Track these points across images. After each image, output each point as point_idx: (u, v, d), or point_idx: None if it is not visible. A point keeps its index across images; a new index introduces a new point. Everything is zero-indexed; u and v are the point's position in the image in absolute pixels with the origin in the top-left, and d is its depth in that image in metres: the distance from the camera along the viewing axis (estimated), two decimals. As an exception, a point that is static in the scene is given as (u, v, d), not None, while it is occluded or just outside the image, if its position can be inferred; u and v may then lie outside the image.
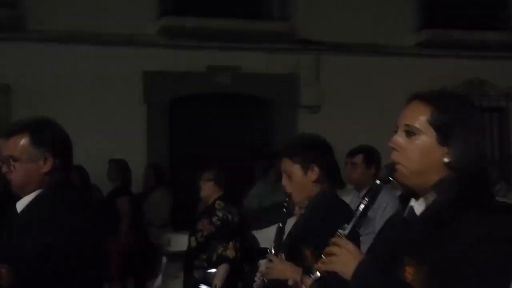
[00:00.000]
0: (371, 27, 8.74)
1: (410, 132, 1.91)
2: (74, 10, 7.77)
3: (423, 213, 1.92)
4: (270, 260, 3.30)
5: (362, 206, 1.95)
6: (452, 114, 1.91)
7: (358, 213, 1.97)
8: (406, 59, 8.96)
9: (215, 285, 4.51)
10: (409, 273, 1.85)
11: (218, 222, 4.74)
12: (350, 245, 1.89)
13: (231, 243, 4.70)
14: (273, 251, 3.36)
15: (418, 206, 1.94)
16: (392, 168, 1.92)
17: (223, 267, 4.71)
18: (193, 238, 5.16)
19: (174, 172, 7.77)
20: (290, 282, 3.01)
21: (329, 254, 1.90)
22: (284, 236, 3.44)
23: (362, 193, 5.35)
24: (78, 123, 7.81)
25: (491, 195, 1.92)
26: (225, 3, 8.35)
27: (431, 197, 1.91)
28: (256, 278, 3.51)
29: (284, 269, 3.27)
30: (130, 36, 7.84)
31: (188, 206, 6.38)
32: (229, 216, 4.84)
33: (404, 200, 2.02)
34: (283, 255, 3.31)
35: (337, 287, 1.92)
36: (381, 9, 8.96)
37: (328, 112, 8.35)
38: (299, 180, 3.32)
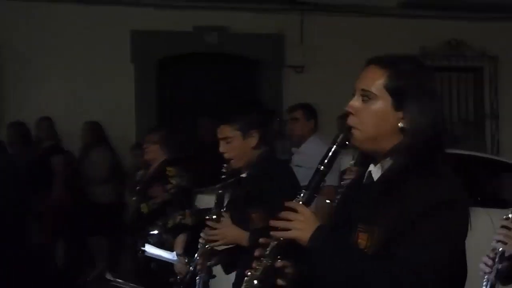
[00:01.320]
0: None
1: (366, 97, 1.85)
2: None
3: (379, 178, 1.89)
4: (211, 225, 3.17)
5: (319, 171, 1.88)
6: (408, 79, 1.86)
7: (315, 177, 1.89)
8: (389, 19, 8.83)
9: (176, 253, 4.31)
10: (362, 239, 1.82)
11: (173, 189, 4.55)
12: (307, 211, 1.82)
13: (187, 211, 4.52)
14: (214, 217, 3.24)
15: (375, 171, 1.90)
16: (348, 132, 1.87)
17: (183, 235, 4.47)
18: (144, 205, 4.91)
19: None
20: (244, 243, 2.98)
21: (285, 219, 1.82)
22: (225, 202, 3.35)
23: (303, 146, 5.33)
24: (66, 83, 7.77)
25: (444, 159, 1.87)
26: None
27: (388, 162, 1.87)
28: (199, 246, 3.38)
29: (229, 233, 3.18)
30: None
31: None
32: (184, 184, 4.66)
33: (363, 164, 1.97)
34: (226, 217, 3.20)
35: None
36: None
37: (312, 71, 8.29)
38: (238, 146, 3.26)
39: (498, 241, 2.73)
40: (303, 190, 1.88)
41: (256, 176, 3.28)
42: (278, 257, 1.85)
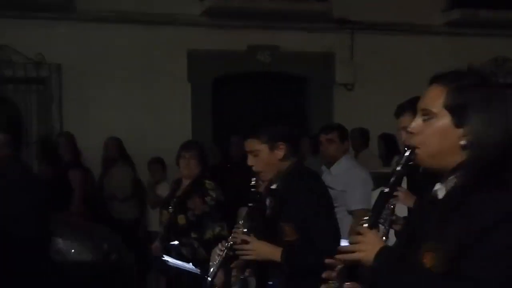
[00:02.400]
0: (404, 7, 8.69)
1: (427, 116, 1.86)
2: None
3: (444, 196, 1.87)
4: (244, 241, 3.18)
5: (383, 194, 1.92)
6: (468, 95, 1.82)
7: (379, 200, 1.94)
8: (435, 37, 8.96)
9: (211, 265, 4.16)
10: (428, 258, 1.80)
11: (213, 202, 4.62)
12: (372, 234, 1.87)
13: (224, 224, 4.57)
14: (244, 230, 3.27)
15: (441, 189, 1.89)
16: (412, 152, 1.88)
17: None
18: (182, 216, 4.93)
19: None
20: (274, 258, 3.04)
21: (353, 241, 1.87)
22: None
23: (334, 167, 5.32)
24: (124, 101, 8.02)
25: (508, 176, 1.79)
26: None
27: (452, 180, 1.85)
28: (219, 252, 3.43)
29: (265, 249, 3.19)
30: (175, 16, 7.86)
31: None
32: (221, 197, 4.75)
33: (431, 182, 1.95)
34: (251, 235, 3.22)
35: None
36: None
37: (362, 89, 8.44)
38: (266, 158, 3.25)
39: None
40: (370, 213, 1.92)
41: (287, 187, 3.28)
42: (346, 280, 1.88)
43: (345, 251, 1.88)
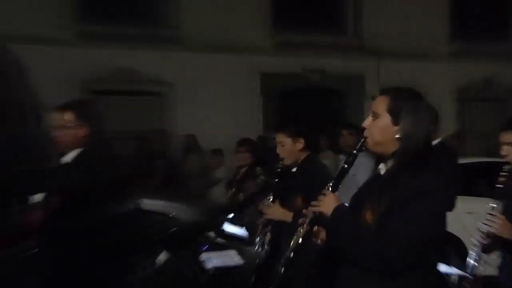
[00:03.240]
0: (415, 39, 11.32)
1: (375, 116, 2.30)
2: (213, 28, 10.44)
3: (384, 173, 2.33)
4: (269, 205, 3.93)
5: (341, 169, 2.42)
6: (402, 103, 2.26)
7: (339, 174, 2.42)
8: (440, 65, 11.56)
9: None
10: (369, 215, 2.25)
11: (261, 183, 5.12)
12: (332, 195, 2.37)
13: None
14: (271, 198, 3.97)
15: (383, 168, 2.35)
16: (364, 140, 2.34)
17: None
18: (241, 194, 5.86)
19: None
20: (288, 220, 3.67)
21: (319, 200, 2.38)
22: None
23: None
24: (213, 115, 10.40)
25: (427, 162, 2.22)
26: (315, 23, 10.99)
27: (390, 162, 2.31)
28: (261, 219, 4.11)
29: (279, 212, 3.89)
30: (252, 49, 10.56)
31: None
32: (268, 179, 5.17)
33: (378, 163, 2.42)
34: (276, 202, 3.91)
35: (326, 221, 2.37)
36: (425, 25, 11.56)
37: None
38: (289, 149, 3.90)
39: (485, 224, 3.18)
40: (331, 182, 2.43)
41: (301, 171, 3.90)
42: (315, 225, 2.44)
43: (314, 205, 2.39)
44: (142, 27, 10.19)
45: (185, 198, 6.59)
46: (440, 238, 2.30)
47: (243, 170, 6.18)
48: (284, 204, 3.91)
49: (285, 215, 3.81)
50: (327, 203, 2.35)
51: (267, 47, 10.88)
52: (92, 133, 3.44)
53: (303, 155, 3.91)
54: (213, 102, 10.46)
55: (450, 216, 2.24)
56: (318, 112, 10.62)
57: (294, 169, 3.95)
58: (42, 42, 9.51)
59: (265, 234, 4.06)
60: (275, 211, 3.91)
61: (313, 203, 2.40)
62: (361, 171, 5.31)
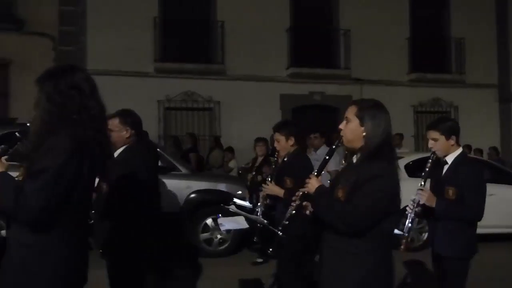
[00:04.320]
0: (386, 69, 14.97)
1: (347, 120, 2.83)
2: (247, 63, 13.96)
3: (355, 162, 2.86)
4: (267, 184, 4.70)
5: (324, 159, 2.94)
6: (365, 110, 2.78)
7: (322, 163, 2.94)
8: (403, 88, 15.21)
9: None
10: (340, 192, 2.78)
11: (273, 167, 5.34)
12: (315, 179, 2.90)
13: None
14: (269, 179, 4.76)
15: (354, 159, 2.87)
16: (340, 139, 2.87)
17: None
18: (259, 176, 7.03)
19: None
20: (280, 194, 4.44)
21: (307, 183, 2.91)
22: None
23: (318, 152, 8.06)
24: (246, 123, 13.75)
25: (382, 154, 2.71)
26: (318, 59, 14.47)
27: (359, 154, 2.83)
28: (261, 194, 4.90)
29: (275, 189, 4.65)
30: (275, 78, 14.29)
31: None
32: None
33: (351, 155, 2.90)
34: (272, 182, 4.69)
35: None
36: (392, 57, 15.04)
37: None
38: (283, 144, 4.71)
39: (417, 194, 3.80)
40: (315, 170, 2.99)
41: (290, 160, 4.70)
42: (304, 201, 2.98)
43: (303, 186, 2.92)
44: (199, 63, 13.90)
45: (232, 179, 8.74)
46: (393, 210, 2.76)
47: (260, 159, 7.65)
48: (278, 183, 4.71)
49: (279, 192, 4.62)
50: (312, 185, 2.90)
51: (284, 76, 14.56)
52: (133, 134, 4.01)
53: (292, 149, 4.73)
54: (246, 114, 13.97)
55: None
56: (319, 122, 13.66)
57: (285, 159, 4.76)
58: (132, 75, 13.35)
59: (264, 205, 4.84)
60: (272, 188, 4.71)
61: (305, 185, 2.94)
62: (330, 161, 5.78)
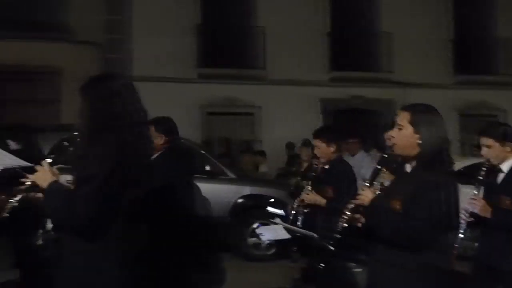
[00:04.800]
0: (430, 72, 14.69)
1: (399, 127, 2.71)
2: (288, 68, 14.00)
3: (410, 172, 2.76)
4: (307, 193, 4.52)
5: (375, 168, 2.81)
6: (421, 117, 2.68)
7: (374, 173, 2.79)
8: (447, 91, 14.77)
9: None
10: (396, 203, 2.66)
11: (313, 174, 5.10)
12: (369, 190, 2.76)
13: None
14: (309, 187, 4.56)
15: (408, 168, 2.77)
16: (391, 146, 2.75)
17: None
18: (305, 181, 5.82)
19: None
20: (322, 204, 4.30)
21: (360, 194, 2.80)
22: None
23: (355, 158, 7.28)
24: (288, 127, 13.72)
25: (442, 162, 2.62)
26: (359, 63, 14.38)
27: (413, 163, 2.73)
28: (295, 202, 4.66)
29: (315, 198, 4.50)
30: (314, 82, 14.27)
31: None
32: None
33: (402, 164, 2.80)
34: (312, 190, 4.49)
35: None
36: (436, 59, 14.83)
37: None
38: (323, 151, 4.57)
39: (469, 205, 3.65)
40: (367, 179, 2.82)
41: (332, 168, 4.59)
42: (356, 213, 2.85)
43: (356, 198, 2.80)
44: (240, 69, 14.09)
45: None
46: (452, 223, 2.70)
47: (306, 164, 7.33)
48: (318, 192, 4.56)
49: (320, 201, 4.50)
50: (367, 196, 2.79)
51: (325, 80, 14.59)
52: (167, 141, 4.17)
53: (333, 156, 4.63)
54: (287, 119, 13.99)
55: None
56: (360, 126, 13.61)
57: (326, 166, 4.65)
58: (175, 81, 13.68)
59: (299, 213, 4.65)
60: (312, 197, 4.56)
61: (357, 197, 2.84)
62: (365, 168, 6.12)
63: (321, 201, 4.46)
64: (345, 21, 14.98)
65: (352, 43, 14.77)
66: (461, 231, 3.66)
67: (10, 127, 5.77)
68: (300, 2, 14.49)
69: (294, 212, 4.70)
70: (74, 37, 13.49)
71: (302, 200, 4.62)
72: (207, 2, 14.35)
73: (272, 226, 4.63)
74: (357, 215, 2.85)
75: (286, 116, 14.07)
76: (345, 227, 2.87)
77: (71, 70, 13.10)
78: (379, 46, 15.04)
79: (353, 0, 15.28)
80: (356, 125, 13.58)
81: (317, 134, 4.64)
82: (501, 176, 3.79)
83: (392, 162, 2.89)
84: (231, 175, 8.33)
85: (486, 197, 3.75)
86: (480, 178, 3.74)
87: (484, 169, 3.74)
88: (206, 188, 7.49)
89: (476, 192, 3.73)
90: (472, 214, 3.69)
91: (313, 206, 4.54)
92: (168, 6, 13.77)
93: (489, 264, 3.73)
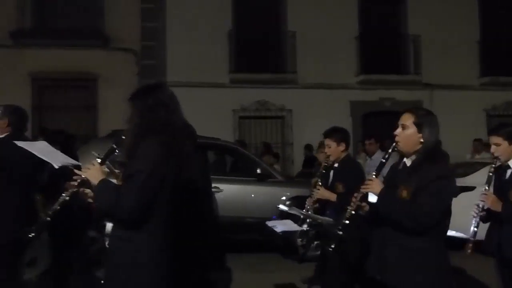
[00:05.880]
0: (456, 73, 14.77)
1: (404, 127, 3.03)
2: (318, 72, 14.22)
3: (411, 164, 3.03)
4: (318, 189, 4.72)
5: (381, 163, 3.08)
6: (423, 118, 2.99)
7: (379, 166, 3.06)
8: (474, 93, 15.01)
9: None
10: (403, 192, 2.91)
11: (324, 172, 5.16)
12: (377, 180, 3.02)
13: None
14: (320, 184, 4.73)
15: (408, 161, 3.06)
16: (396, 144, 3.02)
17: None
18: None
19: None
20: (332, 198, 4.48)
21: (368, 184, 3.02)
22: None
23: (374, 156, 7.92)
24: (318, 130, 13.83)
25: (440, 157, 2.91)
26: (388, 65, 14.53)
27: (413, 157, 3.02)
28: (307, 201, 4.83)
29: (326, 194, 4.67)
30: (346, 85, 14.46)
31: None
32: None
33: (400, 158, 3.10)
34: (323, 186, 4.68)
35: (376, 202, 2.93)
36: (463, 61, 14.93)
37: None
38: (334, 150, 4.75)
39: (481, 200, 3.81)
40: (374, 171, 3.05)
41: (341, 166, 4.75)
42: (363, 202, 3.10)
43: (364, 187, 3.04)
44: (271, 73, 14.32)
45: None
46: (450, 210, 2.93)
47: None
48: (329, 188, 4.76)
49: (330, 196, 4.68)
50: (375, 185, 3.02)
51: (354, 83, 14.71)
52: None
53: (343, 155, 4.80)
54: (317, 121, 13.79)
55: None
56: (390, 128, 14.27)
57: (336, 164, 4.82)
58: (208, 86, 13.92)
59: (314, 209, 4.80)
60: (323, 193, 4.75)
61: (363, 185, 3.05)
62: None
63: (331, 195, 4.64)
64: (373, 25, 15.08)
65: (380, 46, 14.86)
66: (475, 224, 3.83)
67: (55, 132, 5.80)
68: (329, 7, 14.64)
69: (305, 210, 4.85)
70: (110, 44, 13.77)
71: (314, 201, 4.82)
72: (238, 9, 14.59)
73: (284, 220, 4.90)
74: (363, 203, 3.12)
75: (316, 119, 14.06)
76: (352, 214, 3.11)
77: (108, 76, 13.43)
78: (407, 49, 15.12)
79: (381, 4, 15.36)
80: (386, 126, 13.44)
81: (328, 134, 4.81)
82: (508, 172, 3.98)
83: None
84: (279, 177, 8.46)
85: (496, 192, 3.94)
86: (490, 174, 3.93)
87: (494, 166, 3.94)
88: (257, 190, 8.00)
89: (487, 188, 3.90)
90: (484, 209, 3.86)
91: (323, 202, 4.74)
92: (200, 14, 14.04)
93: (506, 256, 3.89)
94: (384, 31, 15.14)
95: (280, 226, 4.88)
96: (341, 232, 3.13)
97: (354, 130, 14.14)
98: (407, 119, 3.04)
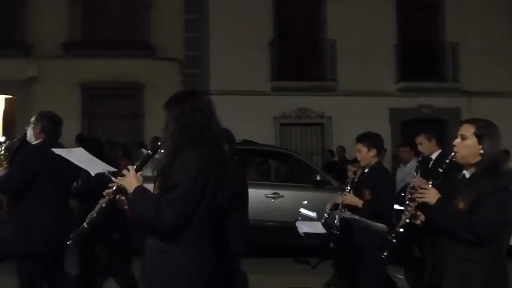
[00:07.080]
0: (496, 80, 14.57)
1: (463, 137, 3.01)
2: (357, 80, 14.31)
3: (470, 176, 3.01)
4: (346, 193, 4.67)
5: (440, 173, 3.03)
6: (483, 129, 2.98)
7: (443, 177, 3.00)
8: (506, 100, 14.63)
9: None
10: (460, 203, 2.91)
11: (353, 176, 5.09)
12: (434, 190, 2.98)
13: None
14: (348, 189, 4.72)
15: (467, 173, 3.03)
16: (454, 155, 2.99)
17: None
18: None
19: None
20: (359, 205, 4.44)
21: (424, 193, 2.98)
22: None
23: (408, 165, 7.56)
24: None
25: (501, 169, 2.90)
26: (426, 73, 14.47)
27: (473, 169, 2.99)
28: (328, 205, 4.80)
29: (353, 199, 4.63)
30: (387, 92, 14.49)
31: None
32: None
33: (458, 170, 3.05)
34: (351, 192, 4.63)
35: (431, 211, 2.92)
36: (501, 68, 14.60)
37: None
38: (364, 155, 4.68)
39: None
40: (431, 180, 3.05)
41: (370, 172, 4.70)
42: (418, 210, 3.10)
43: (420, 196, 3.02)
44: (312, 81, 14.47)
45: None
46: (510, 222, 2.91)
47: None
48: (357, 194, 4.73)
49: (357, 202, 4.66)
50: (431, 195, 3.01)
51: (393, 91, 14.75)
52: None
53: (373, 161, 4.73)
54: (357, 129, 13.95)
55: None
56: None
57: (366, 170, 4.78)
58: (250, 93, 14.12)
59: (337, 213, 4.77)
60: (351, 198, 4.72)
61: (419, 194, 3.06)
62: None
63: (358, 202, 4.61)
64: (412, 33, 15.07)
65: (419, 54, 14.86)
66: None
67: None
68: (368, 16, 14.72)
69: (327, 215, 4.90)
70: (156, 54, 14.10)
71: (335, 204, 4.83)
72: (279, 18, 14.77)
73: (311, 222, 4.94)
74: (419, 213, 3.11)
75: (355, 126, 13.76)
76: (407, 222, 3.12)
77: (153, 85, 13.77)
78: (446, 56, 15.10)
79: (419, 12, 15.36)
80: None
81: (360, 139, 4.77)
82: None
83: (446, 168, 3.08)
84: (335, 184, 8.63)
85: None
86: None
87: None
88: (315, 196, 8.17)
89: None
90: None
91: (350, 207, 4.69)
92: (242, 23, 14.26)
93: None
94: (422, 39, 15.11)
95: (306, 227, 4.90)
96: (394, 240, 3.12)
97: (393, 137, 14.18)
98: (467, 130, 3.04)
